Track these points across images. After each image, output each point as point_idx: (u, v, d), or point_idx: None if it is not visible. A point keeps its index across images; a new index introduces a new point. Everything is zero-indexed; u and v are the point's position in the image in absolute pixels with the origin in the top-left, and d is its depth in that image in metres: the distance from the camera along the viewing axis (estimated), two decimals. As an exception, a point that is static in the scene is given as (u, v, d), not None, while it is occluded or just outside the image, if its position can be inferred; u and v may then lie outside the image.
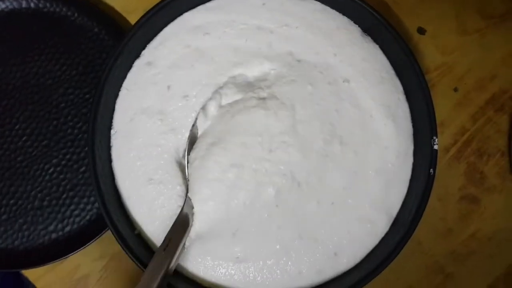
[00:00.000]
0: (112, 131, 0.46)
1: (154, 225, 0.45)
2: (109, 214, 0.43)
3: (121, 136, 0.46)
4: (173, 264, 0.40)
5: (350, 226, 0.44)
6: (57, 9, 0.56)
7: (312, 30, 0.47)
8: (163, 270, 0.38)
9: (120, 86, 0.47)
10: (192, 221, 0.43)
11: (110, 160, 0.46)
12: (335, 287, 0.44)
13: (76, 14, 0.56)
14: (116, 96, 0.46)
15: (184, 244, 0.42)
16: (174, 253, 0.40)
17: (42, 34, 0.56)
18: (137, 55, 0.47)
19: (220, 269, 0.44)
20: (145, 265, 0.42)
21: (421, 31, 0.56)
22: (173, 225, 0.42)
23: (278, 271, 0.44)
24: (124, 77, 0.47)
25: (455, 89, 0.56)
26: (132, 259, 0.43)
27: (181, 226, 0.42)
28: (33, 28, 0.56)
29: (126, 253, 0.43)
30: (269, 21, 0.47)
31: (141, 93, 0.46)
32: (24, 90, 0.55)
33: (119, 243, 0.43)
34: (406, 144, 0.46)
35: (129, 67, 0.47)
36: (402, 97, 0.46)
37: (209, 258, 0.44)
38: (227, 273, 0.44)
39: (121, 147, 0.46)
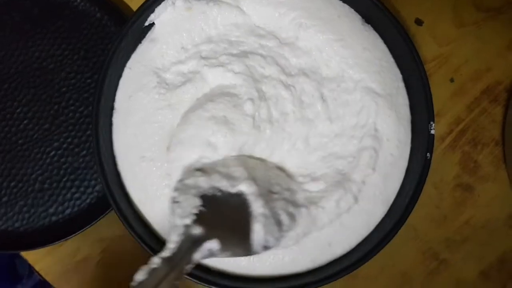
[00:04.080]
0: (115, 111, 0.47)
1: (146, 205, 0.45)
2: (113, 195, 0.44)
3: (120, 114, 0.46)
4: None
5: (343, 219, 0.44)
6: (60, -6, 0.56)
7: (315, 22, 0.47)
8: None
9: (124, 66, 0.47)
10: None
11: (112, 141, 0.46)
12: (330, 269, 0.44)
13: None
14: (119, 76, 0.47)
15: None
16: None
17: (44, 19, 0.56)
18: (141, 37, 0.48)
19: None
20: (148, 245, 0.43)
21: (419, 22, 0.57)
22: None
23: (271, 256, 0.44)
24: (128, 57, 0.47)
25: (451, 80, 0.57)
26: (136, 240, 0.43)
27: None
28: (36, 12, 0.56)
29: (131, 234, 0.43)
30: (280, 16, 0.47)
31: (143, 69, 0.46)
32: (26, 73, 0.55)
33: (123, 224, 0.43)
34: (406, 133, 0.46)
35: (132, 50, 0.47)
36: (401, 85, 0.47)
37: None
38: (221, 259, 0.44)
39: (120, 125, 0.46)
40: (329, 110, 0.46)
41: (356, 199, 0.44)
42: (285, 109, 0.45)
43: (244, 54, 0.47)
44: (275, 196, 0.42)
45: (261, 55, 0.47)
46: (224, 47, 0.47)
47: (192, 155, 0.43)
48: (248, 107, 0.44)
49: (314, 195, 0.44)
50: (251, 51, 0.47)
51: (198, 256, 0.37)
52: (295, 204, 0.43)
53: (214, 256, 0.38)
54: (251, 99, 0.44)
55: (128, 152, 0.46)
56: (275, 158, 0.45)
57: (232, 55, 0.46)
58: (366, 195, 0.44)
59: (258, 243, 0.39)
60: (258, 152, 0.44)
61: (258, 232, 0.39)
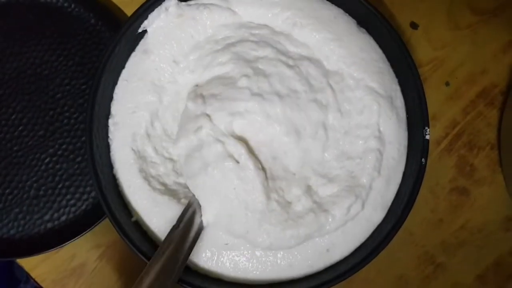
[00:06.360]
0: (111, 121, 0.46)
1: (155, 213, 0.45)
2: (107, 201, 0.44)
3: (121, 127, 0.46)
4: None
5: (346, 226, 0.44)
6: (54, 0, 0.56)
7: (310, 21, 0.46)
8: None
9: (119, 74, 0.47)
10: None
11: (108, 148, 0.46)
12: (326, 275, 0.44)
13: (73, 5, 0.56)
14: (114, 84, 0.47)
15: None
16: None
17: (39, 25, 0.56)
18: (135, 44, 0.47)
19: (214, 257, 0.44)
20: (142, 252, 0.43)
21: (414, 25, 0.57)
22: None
23: (268, 262, 0.44)
24: (123, 66, 0.47)
25: (447, 83, 0.57)
26: (129, 246, 0.43)
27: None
28: (30, 18, 0.56)
29: (123, 240, 0.43)
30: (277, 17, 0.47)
31: (141, 84, 0.46)
32: (21, 80, 0.55)
33: (116, 230, 0.43)
34: (404, 136, 0.46)
35: (126, 56, 0.47)
36: (398, 88, 0.47)
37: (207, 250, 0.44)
38: (219, 261, 0.44)
39: (122, 138, 0.46)
40: (338, 101, 0.45)
41: (363, 205, 0.44)
42: (294, 87, 0.44)
43: (230, 45, 0.46)
44: None
45: (252, 41, 0.46)
46: (209, 47, 0.46)
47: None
48: (242, 82, 0.43)
49: (326, 200, 0.44)
50: (240, 39, 0.46)
51: None
52: None
53: None
54: (245, 75, 0.44)
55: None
56: (302, 145, 0.44)
57: (216, 51, 0.46)
58: (371, 201, 0.44)
59: None
60: (284, 133, 0.43)
61: None
